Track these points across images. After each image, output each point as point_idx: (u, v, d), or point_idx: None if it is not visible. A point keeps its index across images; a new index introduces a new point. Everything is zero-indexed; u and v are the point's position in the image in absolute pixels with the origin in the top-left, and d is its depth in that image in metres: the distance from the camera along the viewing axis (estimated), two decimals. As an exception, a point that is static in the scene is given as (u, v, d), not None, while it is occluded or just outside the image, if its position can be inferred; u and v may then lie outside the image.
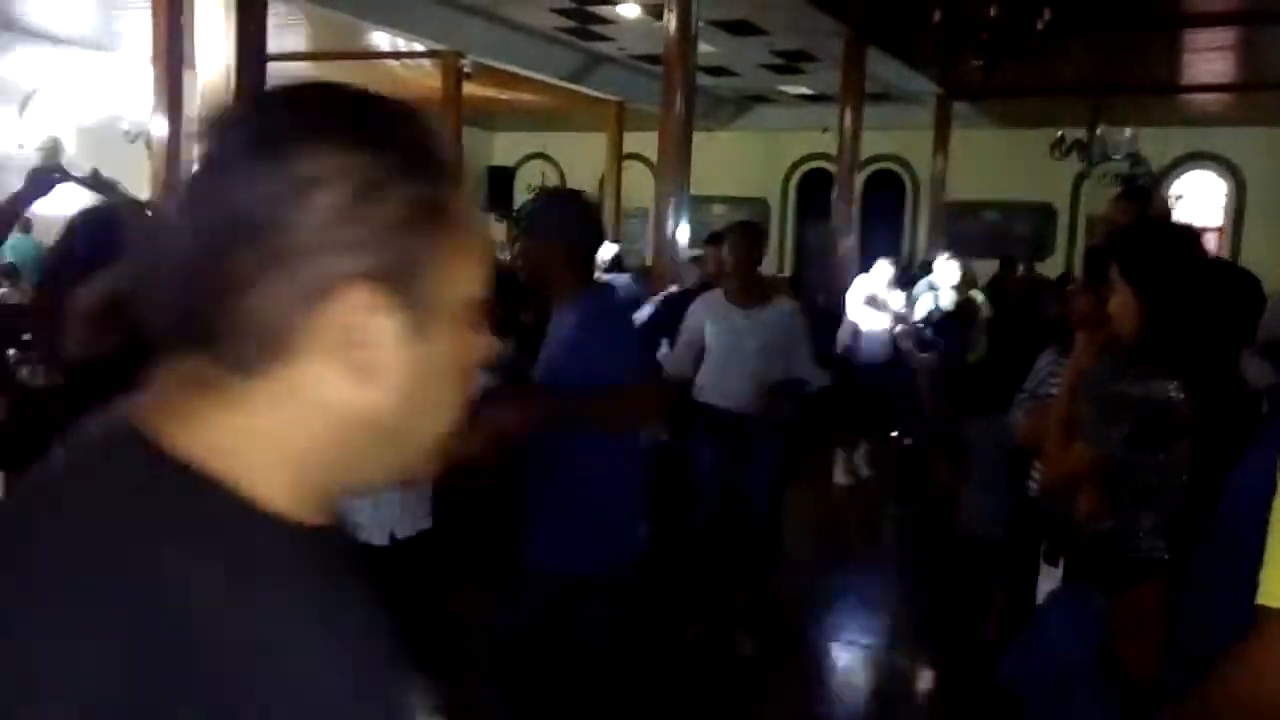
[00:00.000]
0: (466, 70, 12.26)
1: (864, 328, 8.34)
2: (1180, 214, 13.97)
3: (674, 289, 6.64)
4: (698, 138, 8.42)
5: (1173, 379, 2.24)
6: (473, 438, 2.33)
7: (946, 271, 8.71)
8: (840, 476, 8.10)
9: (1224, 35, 10.54)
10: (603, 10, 10.81)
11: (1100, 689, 1.97)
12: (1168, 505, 2.24)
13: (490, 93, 13.99)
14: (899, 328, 8.48)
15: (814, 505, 7.31)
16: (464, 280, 0.76)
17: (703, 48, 8.92)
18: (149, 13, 8.43)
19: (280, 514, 0.70)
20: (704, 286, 5.60)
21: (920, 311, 8.72)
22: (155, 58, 8.17)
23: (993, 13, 7.89)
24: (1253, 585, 1.31)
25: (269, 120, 0.73)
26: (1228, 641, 1.35)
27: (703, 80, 10.28)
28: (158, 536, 0.65)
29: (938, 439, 7.72)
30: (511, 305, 5.47)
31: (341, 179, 0.69)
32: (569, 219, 2.86)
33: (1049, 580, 2.72)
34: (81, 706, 0.60)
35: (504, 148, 19.60)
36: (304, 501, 0.72)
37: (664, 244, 8.16)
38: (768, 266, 17.31)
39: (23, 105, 11.88)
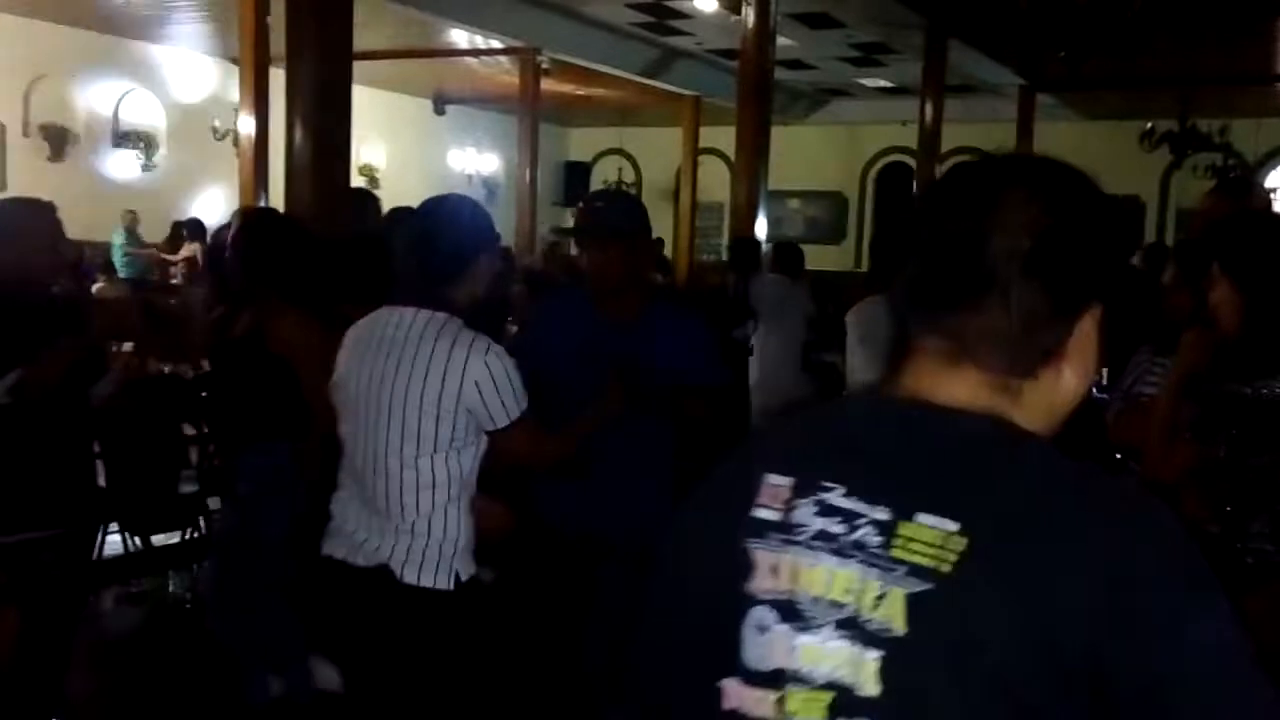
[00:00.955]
0: (544, 66, 12.34)
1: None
2: (1278, 206, 13.53)
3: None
4: (774, 131, 8.37)
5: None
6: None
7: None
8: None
9: (1321, 23, 10.19)
10: (679, 5, 10.80)
11: None
12: (1278, 508, 2.18)
13: (567, 88, 14.07)
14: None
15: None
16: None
17: (780, 41, 8.86)
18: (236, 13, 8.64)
19: None
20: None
21: None
22: (242, 57, 8.36)
23: (1080, 2, 7.71)
24: None
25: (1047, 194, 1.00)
26: None
27: (780, 74, 10.20)
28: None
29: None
30: None
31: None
32: (646, 220, 2.83)
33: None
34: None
35: (580, 143, 19.70)
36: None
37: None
38: (846, 260, 17.23)
39: (115, 103, 12.25)
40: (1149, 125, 12.34)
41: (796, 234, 16.40)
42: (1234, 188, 4.32)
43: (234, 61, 9.96)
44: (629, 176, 19.26)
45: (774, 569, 0.94)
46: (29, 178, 10.89)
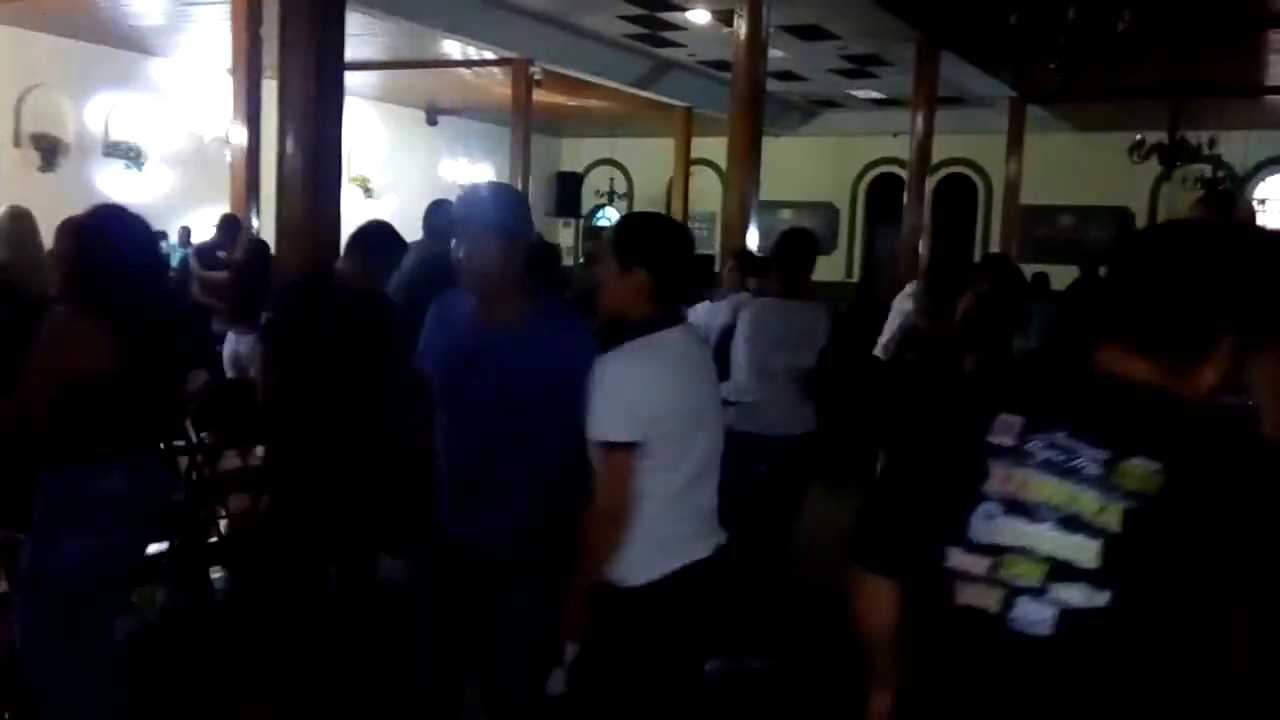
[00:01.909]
0: (536, 77, 12.36)
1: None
2: (1264, 218, 13.59)
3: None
4: (766, 143, 8.39)
5: None
6: None
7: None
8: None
9: (1310, 35, 10.25)
10: (672, 17, 10.83)
11: None
12: None
13: (559, 99, 14.09)
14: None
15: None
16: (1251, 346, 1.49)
17: (772, 53, 8.89)
18: (229, 23, 8.64)
19: None
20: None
21: None
22: (235, 68, 8.36)
23: (1070, 15, 7.75)
24: None
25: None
26: None
27: (771, 85, 10.24)
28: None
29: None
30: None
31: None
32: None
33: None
34: None
35: (572, 153, 19.73)
36: None
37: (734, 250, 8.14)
38: (836, 271, 17.25)
39: (106, 114, 12.23)
40: (1139, 137, 12.40)
41: (788, 245, 16.44)
42: (1220, 200, 4.33)
43: (226, 72, 9.96)
44: (621, 187, 19.29)
45: (1006, 478, 1.43)
46: (20, 188, 10.87)
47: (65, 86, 11.68)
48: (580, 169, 19.59)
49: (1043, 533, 1.40)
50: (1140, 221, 16.05)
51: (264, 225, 8.34)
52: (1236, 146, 13.97)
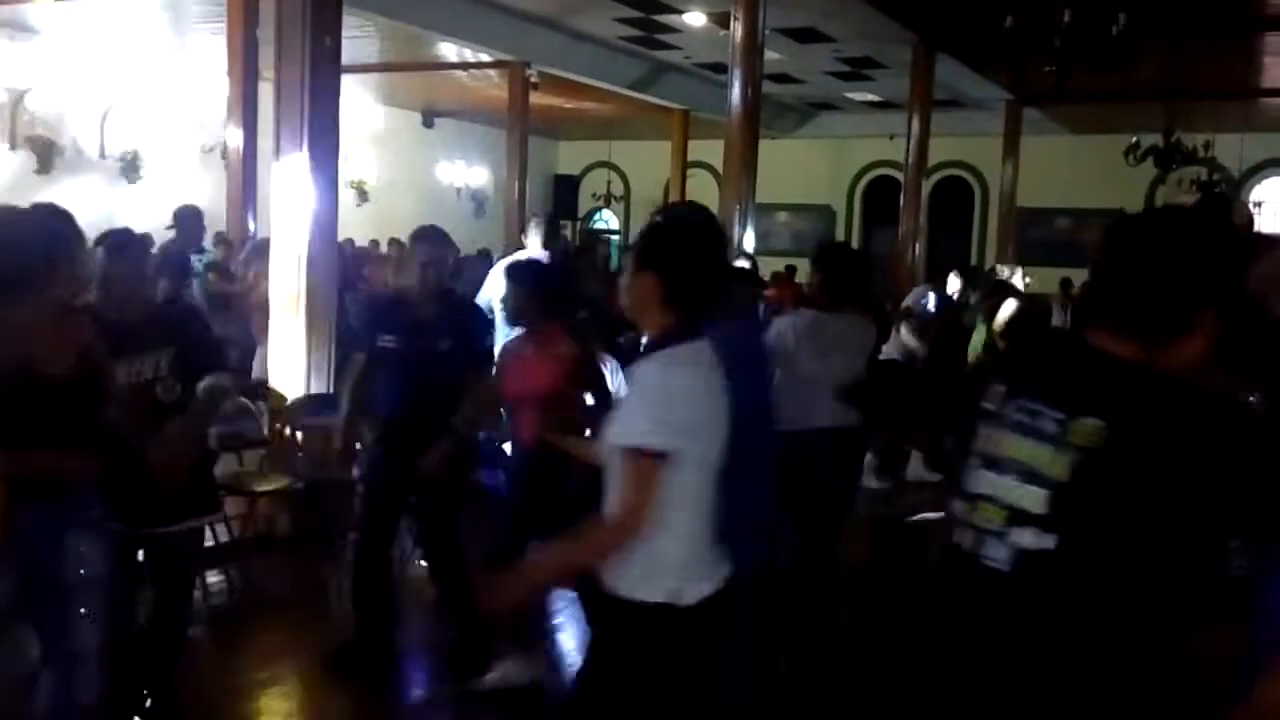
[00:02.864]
0: (533, 80, 12.37)
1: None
2: (1260, 221, 13.60)
3: None
4: (763, 145, 8.40)
5: (1251, 390, 2.18)
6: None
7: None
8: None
9: (1305, 38, 10.28)
10: (667, 19, 10.84)
11: None
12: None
13: (556, 102, 14.10)
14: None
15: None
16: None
17: (768, 55, 8.90)
18: (224, 26, 8.63)
19: None
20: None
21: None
22: (230, 71, 8.35)
23: (1065, 18, 7.76)
24: None
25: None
26: None
27: (768, 88, 10.26)
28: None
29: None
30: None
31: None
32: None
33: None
34: None
35: (569, 156, 19.74)
36: None
37: (729, 252, 8.15)
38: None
39: (102, 118, 12.22)
40: (1134, 139, 12.41)
41: (784, 247, 16.46)
42: (1217, 202, 4.34)
43: (223, 75, 9.95)
44: (618, 189, 19.31)
45: (987, 437, 1.69)
46: (17, 191, 10.87)
47: (62, 89, 11.67)
48: (577, 171, 19.61)
49: (1006, 483, 1.64)
50: (1136, 224, 16.08)
51: (261, 228, 8.33)
52: (1232, 149, 13.99)
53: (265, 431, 5.51)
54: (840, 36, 11.19)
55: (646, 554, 2.35)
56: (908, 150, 11.57)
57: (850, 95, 14.91)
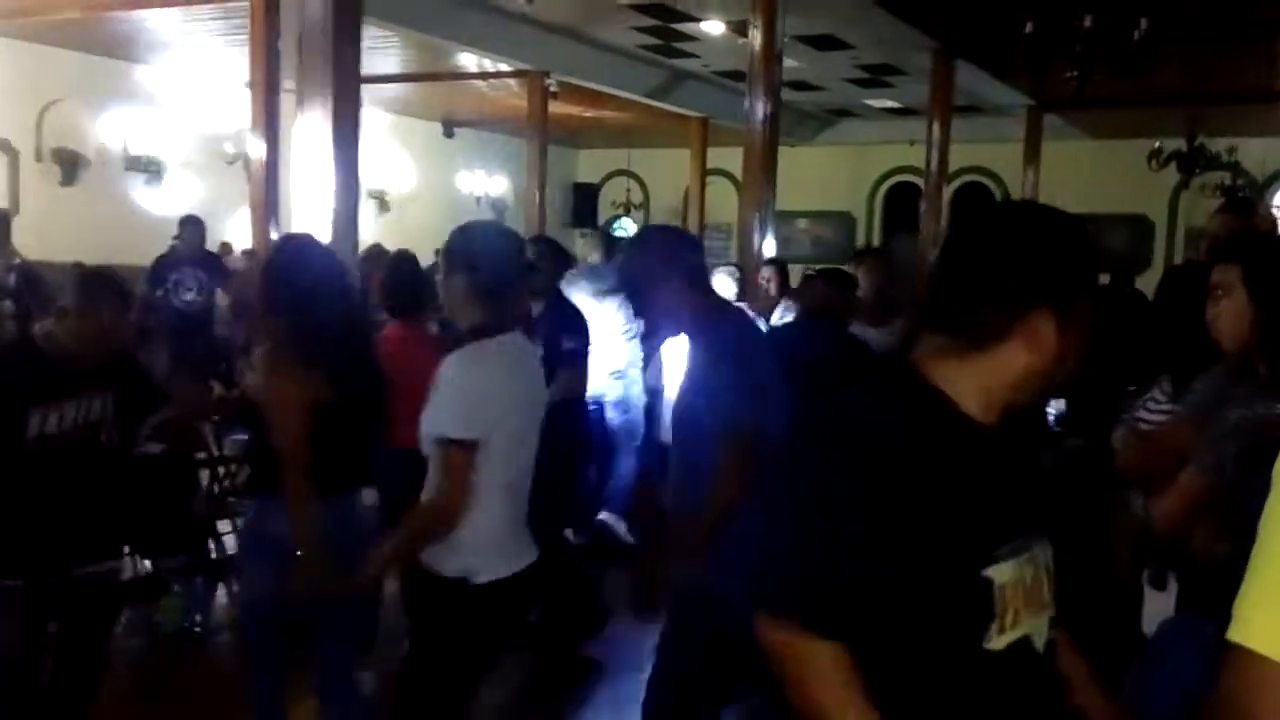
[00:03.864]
0: (552, 89, 12.40)
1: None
2: (1285, 226, 13.47)
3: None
4: (782, 152, 8.39)
5: None
6: None
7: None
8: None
9: (1329, 41, 10.18)
10: (686, 28, 10.85)
11: None
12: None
13: (575, 111, 14.13)
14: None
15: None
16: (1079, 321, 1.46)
17: (787, 63, 8.90)
18: (246, 37, 8.70)
19: (971, 417, 1.46)
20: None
21: None
22: (253, 82, 8.41)
23: (1086, 24, 7.72)
24: None
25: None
26: None
27: (787, 95, 10.25)
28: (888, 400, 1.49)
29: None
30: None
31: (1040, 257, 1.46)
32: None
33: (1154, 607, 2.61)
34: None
35: (588, 165, 19.77)
36: (986, 411, 1.46)
37: (750, 259, 8.14)
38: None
39: (125, 128, 12.33)
40: (1157, 144, 12.33)
41: (804, 254, 16.42)
42: (1241, 206, 4.31)
43: (244, 86, 10.03)
44: (637, 197, 19.32)
45: None
46: (42, 202, 10.97)
47: (86, 101, 11.78)
48: (597, 180, 19.63)
49: None
50: (1159, 230, 15.97)
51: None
52: (1255, 153, 13.88)
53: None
54: (859, 43, 11.16)
55: (454, 531, 2.54)
56: (928, 157, 11.54)
57: (870, 102, 14.88)
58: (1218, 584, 1.83)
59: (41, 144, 11.55)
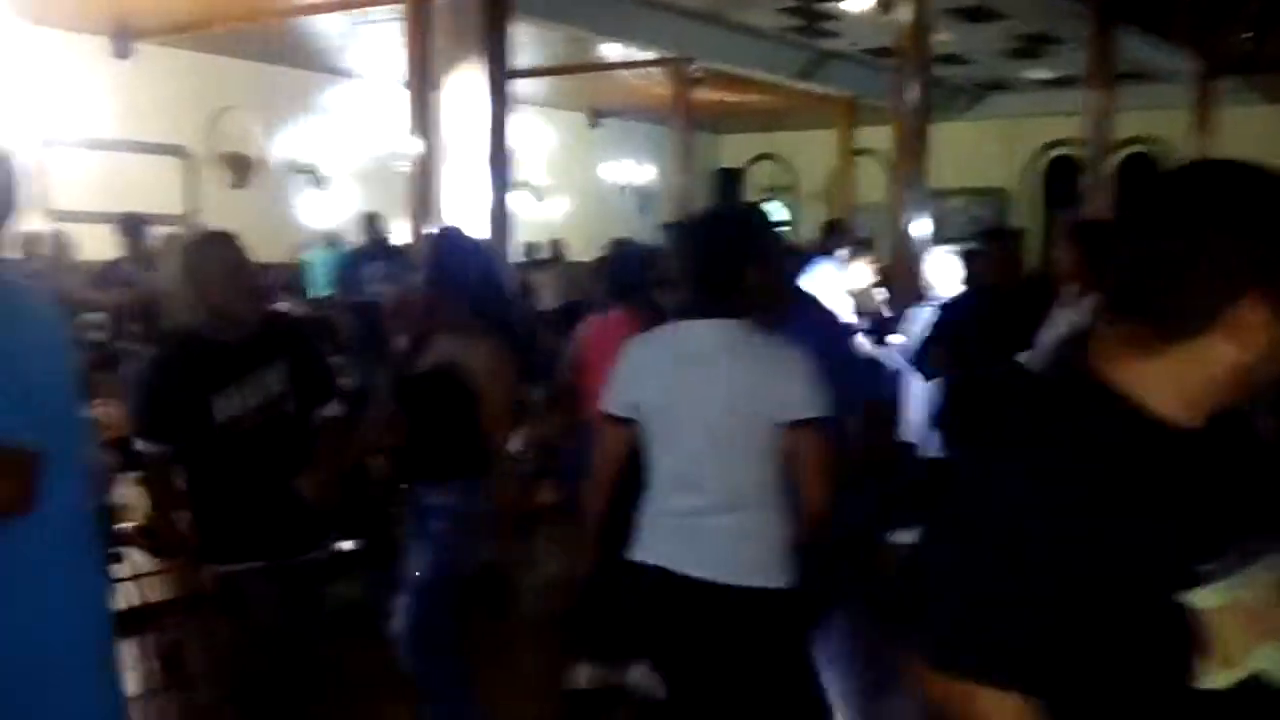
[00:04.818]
0: (696, 75, 12.39)
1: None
2: None
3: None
4: (931, 129, 8.19)
5: None
6: None
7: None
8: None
9: None
10: (829, 7, 10.68)
11: None
12: None
13: (719, 96, 14.08)
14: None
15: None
16: None
17: (936, 37, 8.67)
18: (401, 38, 8.98)
19: (1165, 421, 1.26)
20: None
21: None
22: (410, 80, 8.67)
23: (1262, -23, 7.27)
24: None
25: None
26: None
27: (936, 70, 9.97)
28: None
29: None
30: None
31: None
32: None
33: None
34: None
35: (732, 150, 19.68)
36: (1187, 411, 1.27)
37: (901, 239, 7.98)
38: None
39: (291, 133, 12.91)
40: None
41: (959, 233, 15.97)
42: None
43: (401, 86, 10.36)
44: (783, 180, 19.14)
45: None
46: (214, 204, 11.60)
47: (253, 108, 12.38)
48: (741, 164, 19.53)
49: None
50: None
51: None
52: None
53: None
54: (1013, 13, 10.77)
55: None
56: (1089, 128, 11.05)
57: (1024, 74, 14.36)
58: None
59: (215, 148, 12.20)
